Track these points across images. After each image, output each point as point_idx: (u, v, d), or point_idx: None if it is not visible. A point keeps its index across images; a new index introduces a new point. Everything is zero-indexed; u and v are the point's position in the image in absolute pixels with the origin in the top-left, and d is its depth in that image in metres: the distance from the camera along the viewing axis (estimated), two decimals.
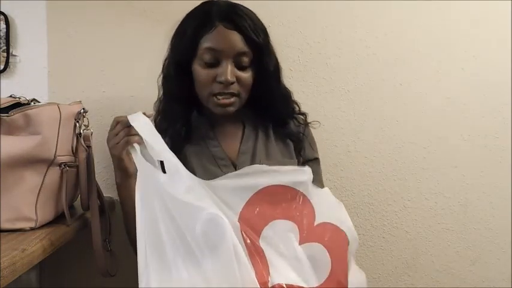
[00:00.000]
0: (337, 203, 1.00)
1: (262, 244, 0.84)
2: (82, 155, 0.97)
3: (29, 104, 0.92)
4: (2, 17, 1.31)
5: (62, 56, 1.33)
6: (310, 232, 0.88)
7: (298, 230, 0.87)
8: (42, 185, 0.90)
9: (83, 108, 0.99)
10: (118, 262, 1.05)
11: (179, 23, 1.06)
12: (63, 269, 1.33)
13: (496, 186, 1.42)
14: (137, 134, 0.92)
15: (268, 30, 1.07)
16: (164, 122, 1.07)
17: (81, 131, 0.98)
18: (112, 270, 1.01)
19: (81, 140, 0.97)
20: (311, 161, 1.13)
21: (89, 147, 0.98)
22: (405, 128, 1.40)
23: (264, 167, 0.91)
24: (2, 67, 1.31)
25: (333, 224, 0.89)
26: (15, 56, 1.33)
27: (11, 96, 0.94)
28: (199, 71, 1.02)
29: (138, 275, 0.83)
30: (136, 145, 0.92)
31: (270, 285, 0.81)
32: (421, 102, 1.39)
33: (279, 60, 1.10)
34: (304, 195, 0.91)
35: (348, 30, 1.37)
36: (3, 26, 1.31)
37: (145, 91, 1.17)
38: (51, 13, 1.33)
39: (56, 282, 1.32)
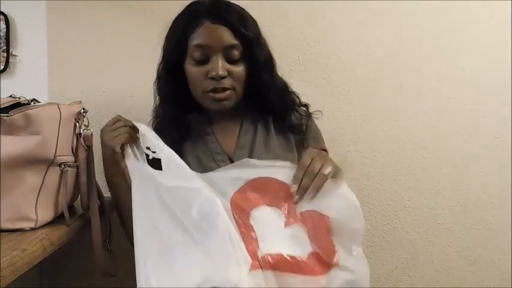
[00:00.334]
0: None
1: (251, 222, 0.89)
2: (82, 155, 0.97)
3: (29, 104, 0.92)
4: (2, 17, 1.31)
5: (62, 56, 1.34)
6: (294, 218, 0.92)
7: (283, 216, 0.92)
8: (42, 185, 0.90)
9: (83, 108, 0.99)
10: (118, 262, 1.05)
11: (169, 26, 1.06)
12: (63, 269, 1.33)
13: (496, 186, 1.42)
14: (137, 133, 0.94)
15: (268, 30, 1.07)
16: (161, 125, 1.08)
17: (81, 131, 0.97)
18: (112, 270, 1.01)
19: (81, 140, 0.97)
20: None
21: (89, 147, 0.98)
22: (405, 128, 1.40)
23: (256, 161, 0.95)
24: (2, 67, 1.32)
25: (315, 211, 0.92)
26: (15, 56, 1.33)
27: (11, 96, 0.94)
28: (191, 70, 1.02)
29: (136, 272, 0.82)
30: (129, 146, 0.95)
31: (259, 255, 0.85)
32: (421, 102, 1.39)
33: (279, 60, 1.11)
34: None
35: (348, 30, 1.37)
36: (3, 26, 1.31)
37: (145, 91, 1.17)
38: (51, 13, 1.33)
39: (56, 282, 1.32)
